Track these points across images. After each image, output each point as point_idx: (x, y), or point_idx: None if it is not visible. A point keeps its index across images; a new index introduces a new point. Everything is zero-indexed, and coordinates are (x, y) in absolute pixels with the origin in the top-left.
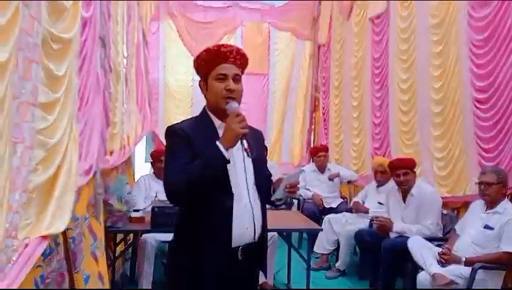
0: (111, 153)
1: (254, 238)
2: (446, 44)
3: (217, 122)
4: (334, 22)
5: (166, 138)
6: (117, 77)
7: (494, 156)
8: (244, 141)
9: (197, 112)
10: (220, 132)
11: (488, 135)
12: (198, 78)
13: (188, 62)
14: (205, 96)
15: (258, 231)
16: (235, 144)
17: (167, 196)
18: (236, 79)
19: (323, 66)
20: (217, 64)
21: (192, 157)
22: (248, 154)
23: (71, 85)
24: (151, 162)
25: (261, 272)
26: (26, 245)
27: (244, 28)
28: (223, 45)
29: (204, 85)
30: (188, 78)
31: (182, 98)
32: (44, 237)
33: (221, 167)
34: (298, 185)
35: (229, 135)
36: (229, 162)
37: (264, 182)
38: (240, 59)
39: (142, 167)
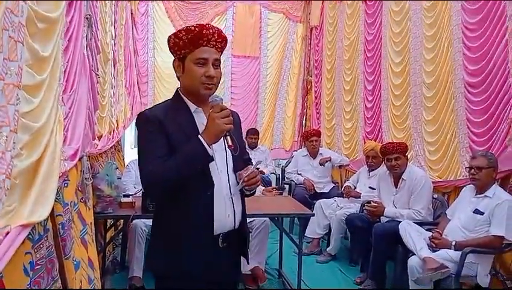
0: (99, 137)
1: (234, 225)
2: (439, 27)
3: (192, 106)
4: (327, 4)
5: (138, 125)
6: (105, 58)
7: (485, 140)
8: (228, 138)
9: None
10: (196, 117)
11: (479, 119)
12: None
13: None
14: (179, 78)
15: (238, 217)
16: (219, 140)
17: (145, 187)
18: (216, 64)
19: (316, 49)
20: (197, 47)
21: (167, 146)
22: (232, 152)
23: (57, 66)
24: None
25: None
26: (7, 233)
27: (236, 9)
28: (204, 26)
29: (179, 66)
30: None
31: (172, 80)
32: (25, 226)
33: (205, 163)
34: (255, 180)
35: (213, 131)
36: (213, 159)
37: (242, 168)
38: (220, 42)
39: (132, 152)
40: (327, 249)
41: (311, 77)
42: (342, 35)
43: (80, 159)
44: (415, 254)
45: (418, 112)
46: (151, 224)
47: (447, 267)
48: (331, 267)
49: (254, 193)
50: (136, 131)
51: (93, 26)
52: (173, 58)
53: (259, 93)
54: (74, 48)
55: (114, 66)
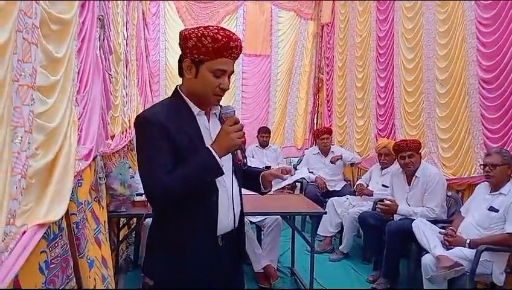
0: (112, 136)
1: (234, 225)
2: (452, 22)
3: (196, 109)
4: (338, 1)
5: (139, 129)
6: (117, 59)
7: (500, 137)
8: (239, 151)
9: None
10: (199, 120)
11: (494, 116)
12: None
13: None
14: (184, 78)
15: (237, 217)
16: (229, 153)
17: (149, 197)
18: (230, 76)
19: (327, 47)
20: (218, 57)
21: (171, 151)
22: (241, 167)
23: (70, 67)
24: None
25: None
26: (24, 232)
27: (246, 8)
28: (231, 38)
29: (191, 68)
30: None
31: None
32: (41, 225)
33: (216, 176)
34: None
35: (225, 145)
36: (223, 173)
37: (241, 169)
38: (238, 54)
39: None
40: (339, 248)
41: (323, 74)
42: (354, 32)
43: (93, 159)
44: (428, 252)
45: (431, 109)
46: None
47: (462, 266)
48: (344, 266)
49: (269, 191)
50: (136, 135)
51: (106, 27)
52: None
53: (270, 92)
54: (87, 49)
55: (126, 66)
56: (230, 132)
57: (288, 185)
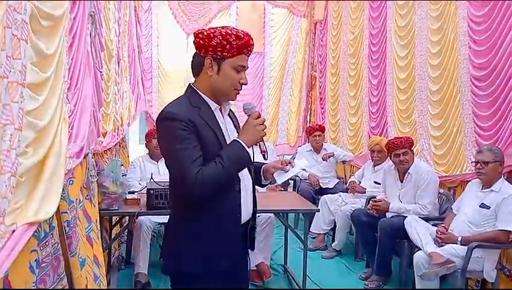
0: (104, 134)
1: (251, 215)
2: (444, 20)
3: (213, 104)
4: None
5: (165, 124)
6: (109, 55)
7: (491, 134)
8: (261, 143)
9: None
10: (218, 115)
11: (486, 113)
12: (191, 56)
13: (182, 40)
14: (203, 75)
15: (251, 207)
16: (253, 145)
17: (185, 190)
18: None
19: (320, 44)
20: (239, 54)
21: (199, 145)
22: (264, 157)
23: (61, 64)
24: (146, 143)
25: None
26: (14, 231)
27: (239, 4)
28: (250, 37)
29: (212, 66)
30: (182, 57)
31: (176, 76)
32: (31, 224)
33: (247, 166)
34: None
35: (252, 137)
36: (252, 163)
37: None
38: (251, 52)
39: (136, 148)
40: (332, 245)
41: (316, 72)
42: (347, 29)
43: (85, 157)
44: (421, 249)
45: (424, 106)
46: (156, 221)
47: (453, 262)
48: (337, 263)
49: (269, 183)
50: (161, 131)
51: (97, 23)
52: (203, 56)
53: (264, 89)
54: (78, 45)
55: (118, 63)
56: (256, 124)
57: (291, 177)
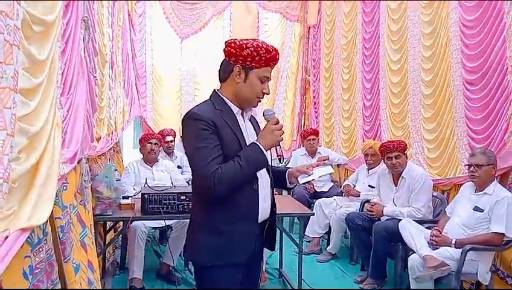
0: (98, 139)
1: (270, 215)
2: (437, 25)
3: (235, 108)
4: (324, 3)
5: (189, 123)
6: (103, 60)
7: (484, 137)
8: (278, 147)
9: (185, 96)
10: (239, 119)
11: (478, 117)
12: (185, 61)
13: (176, 45)
14: (230, 81)
15: (271, 207)
16: (271, 148)
17: (201, 187)
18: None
19: (314, 48)
20: (266, 66)
21: (219, 145)
22: (280, 161)
23: (53, 69)
24: (140, 148)
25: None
26: (6, 237)
27: (233, 9)
28: (277, 52)
29: (240, 74)
30: (176, 62)
31: (170, 81)
32: (24, 230)
33: (263, 168)
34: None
35: (270, 141)
36: (268, 166)
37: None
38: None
39: (131, 153)
40: (327, 248)
41: (310, 76)
42: (340, 34)
43: (78, 162)
44: (415, 252)
45: (417, 110)
46: (150, 226)
47: (448, 265)
48: (332, 266)
49: (295, 186)
50: (185, 130)
51: (91, 28)
52: (232, 63)
53: None
54: (71, 50)
55: (112, 67)
56: (274, 129)
57: (313, 179)
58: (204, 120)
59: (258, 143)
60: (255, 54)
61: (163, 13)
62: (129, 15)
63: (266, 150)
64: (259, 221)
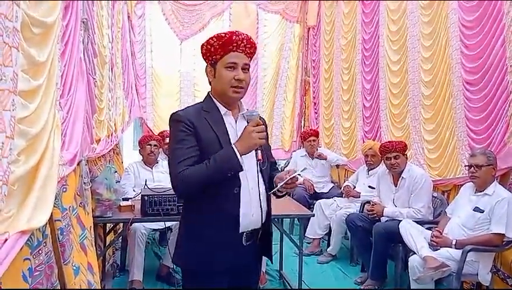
0: (98, 140)
1: (260, 225)
2: (436, 25)
3: (223, 109)
4: (324, 4)
5: (170, 124)
6: (102, 62)
7: (484, 138)
8: (259, 151)
9: (185, 97)
10: (226, 119)
11: (478, 117)
12: (185, 62)
13: (175, 46)
14: (210, 83)
15: (264, 217)
16: (250, 152)
17: (173, 187)
18: (245, 68)
19: (313, 49)
20: (227, 52)
21: (196, 146)
22: (260, 165)
23: (53, 71)
24: (139, 150)
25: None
26: (6, 240)
27: (232, 11)
28: (234, 33)
29: (211, 72)
30: (176, 63)
31: (170, 82)
32: (24, 232)
33: (235, 171)
34: (293, 185)
35: (247, 143)
36: (242, 169)
37: (269, 170)
38: (249, 48)
39: (131, 154)
40: (328, 250)
41: (309, 77)
42: (339, 34)
43: (78, 164)
44: (415, 253)
45: (417, 111)
46: (150, 227)
47: (448, 266)
48: (332, 268)
49: (286, 195)
50: (169, 131)
51: (90, 30)
52: (206, 64)
53: (257, 94)
54: (71, 52)
55: (111, 69)
56: (252, 132)
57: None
58: (183, 121)
59: (233, 145)
60: (210, 47)
61: (162, 15)
62: (128, 17)
63: (243, 153)
64: (243, 229)
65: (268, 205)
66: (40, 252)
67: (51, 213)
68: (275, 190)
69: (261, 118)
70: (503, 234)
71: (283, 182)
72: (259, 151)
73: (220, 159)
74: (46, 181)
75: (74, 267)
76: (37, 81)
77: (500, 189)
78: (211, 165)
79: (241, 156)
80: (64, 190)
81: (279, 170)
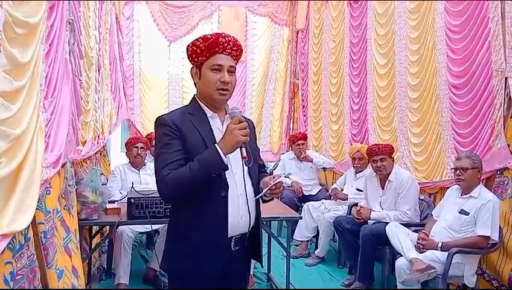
0: (84, 142)
1: (248, 228)
2: (423, 29)
3: (209, 112)
4: (312, 7)
5: (155, 127)
6: (89, 63)
7: (470, 141)
8: (243, 149)
9: (173, 99)
10: (211, 121)
11: (464, 121)
12: (173, 63)
13: (164, 48)
14: (196, 85)
15: (252, 221)
16: (234, 150)
17: (158, 191)
18: (231, 71)
19: (302, 52)
20: (213, 54)
21: (183, 149)
22: (245, 163)
23: (37, 72)
24: (126, 152)
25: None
26: None
27: (221, 13)
28: (220, 34)
29: (196, 73)
30: (164, 64)
31: (158, 84)
32: (5, 235)
33: (219, 171)
34: (279, 191)
35: (230, 141)
36: (227, 168)
37: (257, 173)
38: (236, 50)
39: (119, 156)
40: (315, 252)
41: (298, 80)
42: (328, 38)
43: (62, 166)
44: (402, 255)
45: (404, 114)
46: (137, 230)
47: (434, 268)
48: (320, 270)
49: (272, 199)
50: (155, 135)
51: (76, 30)
52: (191, 66)
53: (246, 97)
54: (56, 53)
55: (98, 70)
56: (234, 129)
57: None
58: (168, 125)
59: (216, 145)
60: (195, 48)
61: (151, 16)
62: (116, 18)
63: (227, 152)
64: (231, 232)
65: (257, 208)
66: (22, 255)
67: (34, 216)
68: (260, 195)
69: (248, 119)
70: (488, 237)
71: (267, 188)
72: (243, 149)
73: (203, 160)
74: (29, 183)
75: (58, 271)
76: (19, 82)
77: (485, 192)
78: (195, 167)
79: (225, 155)
80: (47, 192)
81: (268, 173)
